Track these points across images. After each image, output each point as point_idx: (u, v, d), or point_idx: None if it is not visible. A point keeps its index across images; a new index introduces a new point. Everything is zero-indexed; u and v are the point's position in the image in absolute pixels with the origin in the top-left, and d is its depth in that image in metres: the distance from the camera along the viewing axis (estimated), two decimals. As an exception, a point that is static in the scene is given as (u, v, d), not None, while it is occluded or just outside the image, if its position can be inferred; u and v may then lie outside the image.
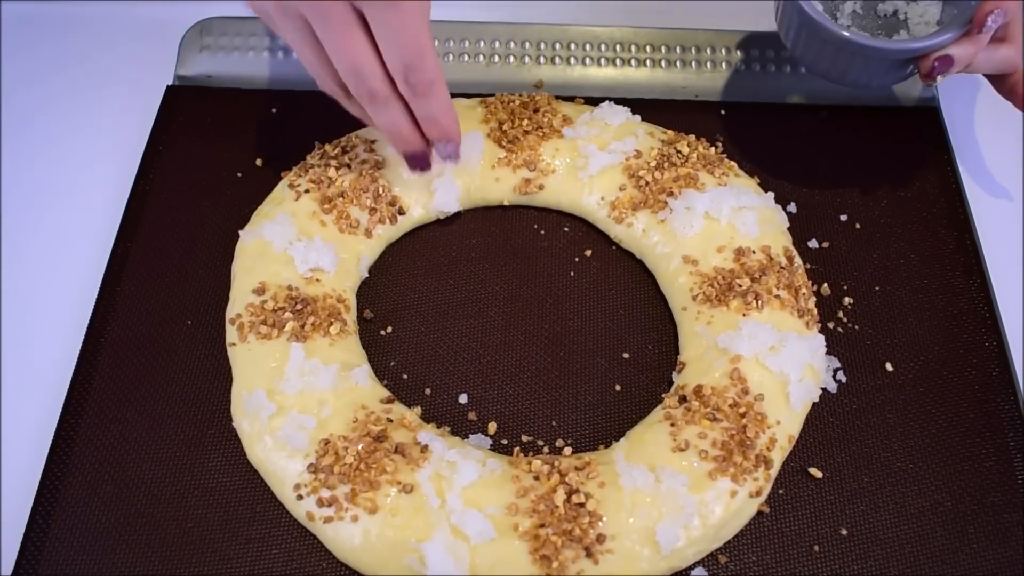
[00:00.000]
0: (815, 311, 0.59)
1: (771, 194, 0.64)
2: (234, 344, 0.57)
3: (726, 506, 0.51)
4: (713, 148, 0.66)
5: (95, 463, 0.55)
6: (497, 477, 0.51)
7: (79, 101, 0.75)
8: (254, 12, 0.55)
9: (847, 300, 0.63)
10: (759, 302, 0.57)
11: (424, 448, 0.52)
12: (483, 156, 0.65)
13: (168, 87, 0.73)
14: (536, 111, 0.66)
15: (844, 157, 0.70)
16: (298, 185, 0.63)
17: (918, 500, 0.55)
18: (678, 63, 0.75)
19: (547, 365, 0.60)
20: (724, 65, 0.74)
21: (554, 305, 0.63)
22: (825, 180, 0.69)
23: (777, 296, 0.57)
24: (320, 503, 0.50)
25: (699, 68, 0.74)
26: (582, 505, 0.49)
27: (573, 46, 0.75)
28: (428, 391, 0.59)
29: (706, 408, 0.53)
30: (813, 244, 0.65)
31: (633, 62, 0.75)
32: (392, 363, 0.60)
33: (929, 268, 0.65)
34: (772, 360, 0.55)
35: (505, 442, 0.57)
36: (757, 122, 0.72)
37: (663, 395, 0.57)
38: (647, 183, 0.63)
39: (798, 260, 0.61)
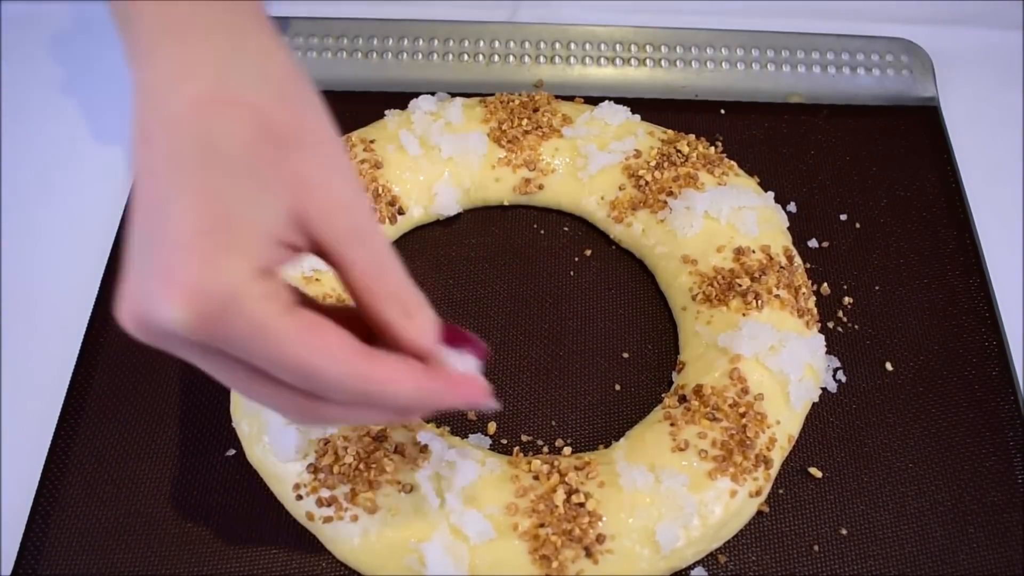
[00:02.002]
0: (815, 311, 0.59)
1: (771, 194, 0.64)
2: (234, 344, 0.57)
3: (726, 506, 0.51)
4: (713, 148, 0.66)
5: (94, 463, 0.55)
6: (496, 477, 0.51)
7: (79, 101, 0.75)
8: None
9: (847, 300, 0.63)
10: (759, 302, 0.57)
11: (424, 448, 0.52)
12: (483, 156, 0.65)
13: (168, 87, 0.73)
14: (536, 111, 0.66)
15: (844, 157, 0.70)
16: (298, 185, 0.62)
17: (918, 500, 0.55)
18: (678, 63, 0.74)
19: (547, 365, 0.60)
20: (724, 65, 0.74)
21: (554, 305, 0.63)
22: (825, 180, 0.69)
23: (777, 296, 0.57)
24: (320, 503, 0.50)
25: (699, 68, 0.74)
26: (582, 505, 0.49)
27: (573, 46, 0.75)
28: (428, 391, 0.59)
29: (706, 408, 0.53)
30: (813, 244, 0.65)
31: (633, 62, 0.75)
32: (392, 363, 0.60)
33: (929, 268, 0.65)
34: (772, 360, 0.55)
35: (505, 442, 0.57)
36: (757, 122, 0.72)
37: (663, 395, 0.57)
38: (647, 183, 0.63)
39: (798, 260, 0.61)
